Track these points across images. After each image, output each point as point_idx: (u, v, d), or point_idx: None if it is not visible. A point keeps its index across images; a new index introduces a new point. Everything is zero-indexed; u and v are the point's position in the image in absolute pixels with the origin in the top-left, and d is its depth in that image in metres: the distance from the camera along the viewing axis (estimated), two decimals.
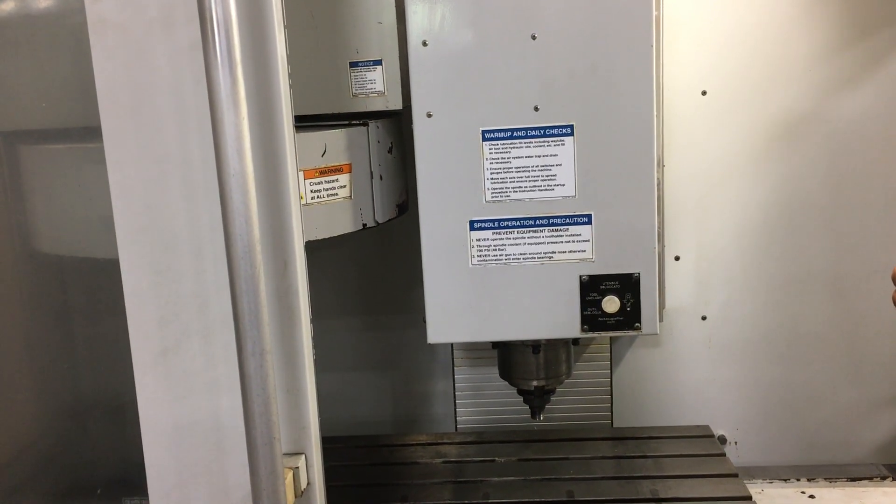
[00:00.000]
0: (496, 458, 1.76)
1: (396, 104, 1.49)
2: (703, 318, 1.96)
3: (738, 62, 1.84)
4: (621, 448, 1.79)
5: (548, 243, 1.40)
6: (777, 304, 1.94)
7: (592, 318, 1.41)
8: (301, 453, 1.16)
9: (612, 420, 1.93)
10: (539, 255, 1.40)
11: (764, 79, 1.84)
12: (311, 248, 1.19)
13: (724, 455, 1.73)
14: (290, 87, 1.11)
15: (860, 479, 1.91)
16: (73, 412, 1.65)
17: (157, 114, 1.09)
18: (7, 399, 1.62)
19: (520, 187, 1.38)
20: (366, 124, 1.48)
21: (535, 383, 1.62)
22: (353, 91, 1.48)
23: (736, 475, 1.63)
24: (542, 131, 1.37)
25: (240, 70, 0.98)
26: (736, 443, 2.00)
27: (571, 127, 1.36)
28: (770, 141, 1.87)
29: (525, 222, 1.40)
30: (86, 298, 1.59)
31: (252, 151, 1.00)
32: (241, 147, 0.99)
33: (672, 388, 1.99)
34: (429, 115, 1.37)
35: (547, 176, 1.38)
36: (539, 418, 1.69)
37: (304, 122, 1.45)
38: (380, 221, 1.51)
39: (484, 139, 1.37)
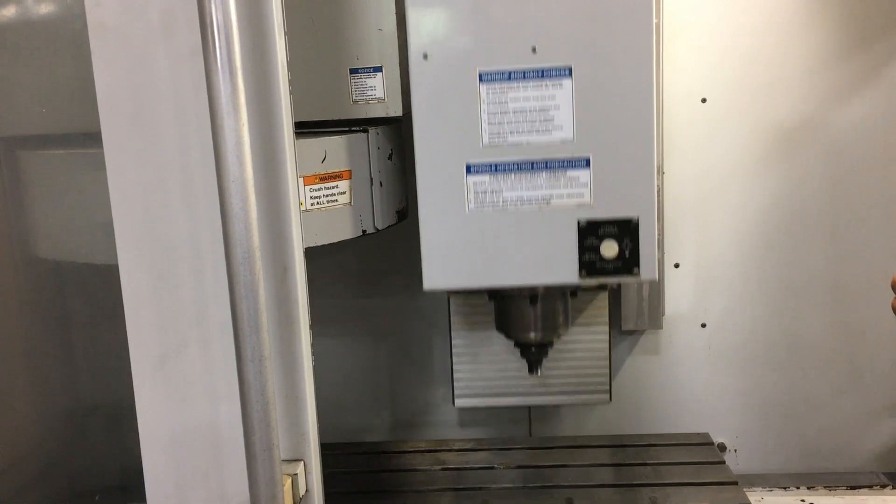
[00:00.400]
0: (495, 466, 1.76)
1: (396, 111, 1.49)
2: (703, 325, 1.96)
3: (737, 69, 1.85)
4: (620, 455, 1.79)
5: (545, 188, 1.37)
6: (777, 311, 1.94)
7: (591, 263, 1.38)
8: (300, 460, 1.16)
9: (610, 392, 1.88)
10: (536, 200, 1.37)
11: (763, 86, 1.85)
12: (311, 254, 1.19)
13: (723, 463, 1.73)
14: (291, 93, 1.11)
15: (860, 487, 1.90)
16: (71, 418, 1.65)
17: (157, 119, 1.09)
18: (6, 405, 1.62)
19: (517, 130, 1.36)
20: (366, 131, 1.48)
21: (532, 335, 1.59)
22: (354, 97, 1.48)
23: (735, 483, 1.62)
24: (539, 73, 1.34)
25: (240, 76, 0.98)
26: (735, 450, 2.00)
27: (570, 69, 1.33)
28: (770, 148, 1.87)
29: (522, 166, 1.37)
30: (85, 304, 1.59)
31: (252, 157, 1.00)
32: (241, 153, 0.99)
33: (672, 396, 1.99)
34: (425, 57, 1.35)
35: (545, 119, 1.35)
36: (537, 373, 1.65)
37: (305, 129, 1.45)
38: (380, 228, 1.51)
39: (481, 81, 1.34)
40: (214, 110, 0.98)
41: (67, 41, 1.53)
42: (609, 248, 1.37)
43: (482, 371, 1.89)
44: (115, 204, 1.12)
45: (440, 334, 2.00)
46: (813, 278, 1.92)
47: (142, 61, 1.08)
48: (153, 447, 1.17)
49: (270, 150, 1.08)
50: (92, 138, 1.16)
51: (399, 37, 1.46)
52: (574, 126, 1.35)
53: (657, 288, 1.86)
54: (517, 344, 1.65)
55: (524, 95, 1.35)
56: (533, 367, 1.66)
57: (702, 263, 1.93)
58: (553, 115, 1.35)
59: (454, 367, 1.89)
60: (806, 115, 1.85)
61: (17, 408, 1.64)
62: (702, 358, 1.97)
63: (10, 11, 1.54)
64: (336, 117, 1.49)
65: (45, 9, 1.54)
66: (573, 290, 1.61)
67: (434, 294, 1.92)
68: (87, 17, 1.07)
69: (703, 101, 1.87)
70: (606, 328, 1.85)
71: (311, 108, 1.46)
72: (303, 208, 1.35)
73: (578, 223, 1.38)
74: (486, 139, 1.36)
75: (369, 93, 1.49)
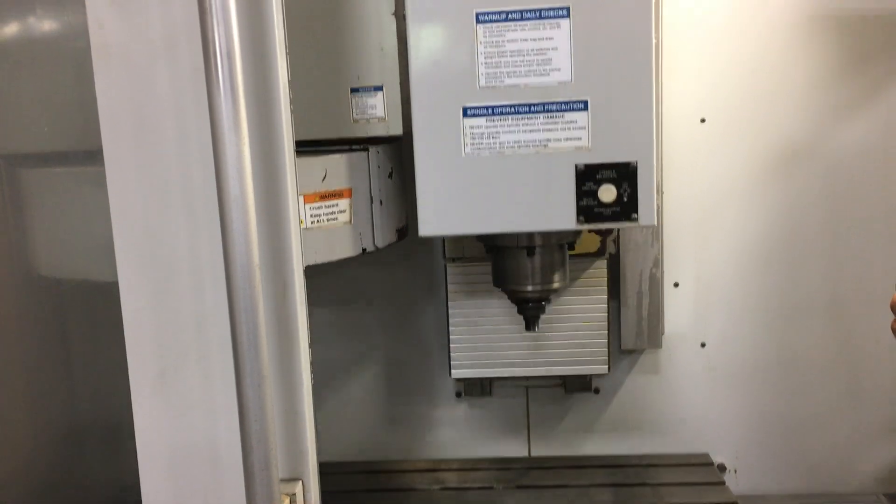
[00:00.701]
0: (494, 486, 1.75)
1: (397, 130, 1.50)
2: (703, 344, 1.96)
3: (736, 90, 1.86)
4: (620, 475, 1.78)
5: (543, 131, 1.35)
6: (776, 331, 1.94)
7: (588, 208, 1.36)
8: (298, 479, 1.15)
9: (609, 363, 1.86)
10: (534, 143, 1.35)
11: (762, 107, 1.86)
12: (310, 272, 1.20)
13: (723, 483, 1.72)
14: (292, 112, 1.11)
15: None
16: (69, 434, 1.64)
17: (159, 138, 1.10)
18: (4, 421, 1.61)
19: (514, 72, 1.34)
20: (366, 149, 1.48)
21: (530, 288, 1.57)
22: (355, 116, 1.49)
23: (735, 503, 1.62)
24: (537, 13, 1.32)
25: (241, 96, 0.98)
26: (735, 471, 1.99)
27: (567, 9, 1.32)
28: (769, 168, 1.88)
29: (520, 109, 1.35)
30: (84, 321, 1.59)
31: (253, 176, 1.00)
32: (242, 171, 0.99)
33: (671, 415, 1.98)
34: None
35: (542, 60, 1.33)
36: (534, 329, 1.63)
37: (306, 147, 1.46)
38: (379, 246, 1.51)
39: (478, 21, 1.33)
40: (216, 129, 0.98)
41: (70, 59, 1.54)
42: (607, 193, 1.35)
43: (480, 341, 1.86)
44: (116, 221, 1.12)
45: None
46: (812, 297, 1.92)
47: (144, 81, 1.08)
48: (151, 464, 1.17)
49: (271, 169, 1.09)
50: (93, 156, 1.16)
51: (400, 56, 1.46)
52: (572, 68, 1.33)
53: (656, 307, 1.86)
54: (515, 300, 1.62)
55: (521, 36, 1.33)
56: (530, 323, 1.63)
57: (701, 283, 1.93)
58: (551, 56, 1.33)
59: (451, 336, 1.86)
60: (804, 134, 1.86)
61: (15, 423, 1.63)
62: (701, 377, 1.97)
63: (12, 29, 1.55)
64: (337, 136, 1.49)
65: (47, 27, 1.55)
66: (570, 243, 1.58)
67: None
68: (91, 38, 1.08)
69: (703, 121, 1.87)
70: (605, 297, 1.83)
71: (312, 126, 1.47)
72: (303, 226, 1.36)
73: (576, 167, 1.35)
74: (482, 81, 1.34)
75: (370, 112, 1.49)
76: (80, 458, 1.65)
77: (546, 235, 1.51)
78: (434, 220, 1.38)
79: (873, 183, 1.87)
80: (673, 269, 1.92)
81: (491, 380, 1.98)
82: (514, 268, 1.57)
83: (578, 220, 1.37)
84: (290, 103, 1.11)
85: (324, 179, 1.41)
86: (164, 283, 1.12)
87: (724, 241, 1.91)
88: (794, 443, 1.97)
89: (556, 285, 1.58)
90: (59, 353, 1.62)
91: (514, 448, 2.02)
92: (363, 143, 1.50)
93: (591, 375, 1.94)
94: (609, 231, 1.69)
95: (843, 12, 1.81)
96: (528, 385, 2.00)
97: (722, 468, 1.98)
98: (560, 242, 1.55)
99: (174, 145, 1.10)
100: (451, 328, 1.86)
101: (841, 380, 1.94)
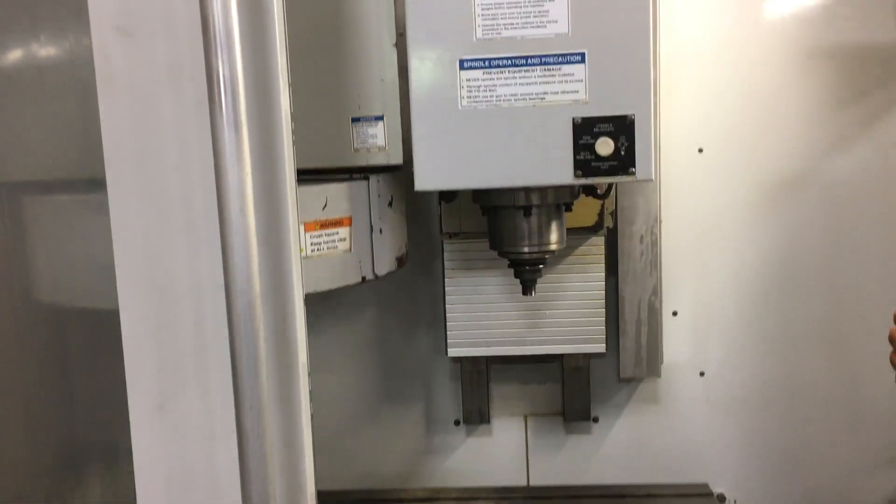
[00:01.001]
0: None
1: (397, 159, 1.51)
2: (702, 373, 1.96)
3: (733, 120, 1.87)
4: None
5: (540, 83, 1.34)
6: (775, 360, 1.94)
7: (586, 162, 1.34)
8: None
9: (606, 342, 1.83)
10: (531, 96, 1.34)
11: (759, 136, 1.87)
12: (309, 300, 1.20)
13: None
14: (294, 142, 1.12)
15: None
16: (67, 463, 1.64)
17: (162, 167, 1.11)
18: (2, 444, 1.61)
19: (511, 24, 1.33)
20: (367, 178, 1.49)
21: (526, 249, 1.55)
22: (355, 145, 1.50)
23: None
24: None
25: (245, 127, 0.99)
26: (735, 501, 1.98)
27: None
28: (766, 197, 1.89)
29: (517, 61, 1.34)
30: (84, 349, 1.58)
31: (254, 206, 1.01)
32: (244, 202, 1.00)
33: (670, 445, 1.98)
34: None
35: (539, 12, 1.33)
36: (532, 293, 1.61)
37: (306, 175, 1.46)
38: (379, 275, 1.52)
39: None
40: (219, 160, 0.99)
41: (73, 87, 1.55)
42: (604, 146, 1.34)
43: (476, 318, 1.84)
44: (118, 249, 1.13)
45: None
46: (811, 327, 1.92)
47: (148, 111, 1.09)
48: (149, 491, 1.16)
49: (273, 200, 1.09)
50: (96, 184, 1.17)
51: (401, 87, 1.48)
52: (569, 19, 1.32)
53: (655, 336, 1.87)
54: (511, 262, 1.60)
55: None
56: (527, 287, 1.61)
57: (700, 311, 1.94)
58: (548, 7, 1.32)
59: (447, 314, 1.84)
60: (802, 164, 1.88)
61: (13, 451, 1.63)
62: (701, 406, 1.97)
63: (16, 56, 1.56)
64: (338, 165, 1.50)
65: (51, 54, 1.57)
66: (568, 204, 1.57)
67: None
68: (96, 68, 1.09)
69: (700, 150, 1.89)
70: (602, 274, 1.81)
71: (313, 155, 1.48)
72: (303, 254, 1.36)
73: (573, 121, 1.34)
74: (479, 33, 1.33)
75: (371, 141, 1.51)
76: (78, 483, 1.64)
77: (543, 195, 1.49)
78: (431, 174, 1.37)
79: (870, 212, 1.88)
80: (671, 297, 1.93)
81: (490, 405, 1.98)
82: (510, 228, 1.54)
83: (576, 175, 1.35)
84: (292, 132, 1.12)
85: (324, 208, 1.42)
86: (165, 311, 1.13)
87: (722, 270, 1.92)
88: (793, 472, 1.97)
89: (553, 246, 1.56)
90: (58, 378, 1.62)
91: (512, 477, 2.01)
92: (364, 172, 1.51)
93: (590, 408, 1.94)
94: (606, 194, 1.66)
95: (839, 44, 1.83)
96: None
97: (721, 498, 1.97)
98: (557, 202, 1.54)
99: (177, 174, 1.11)
100: (447, 306, 1.84)
101: (840, 409, 1.94)
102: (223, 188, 1.00)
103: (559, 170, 1.36)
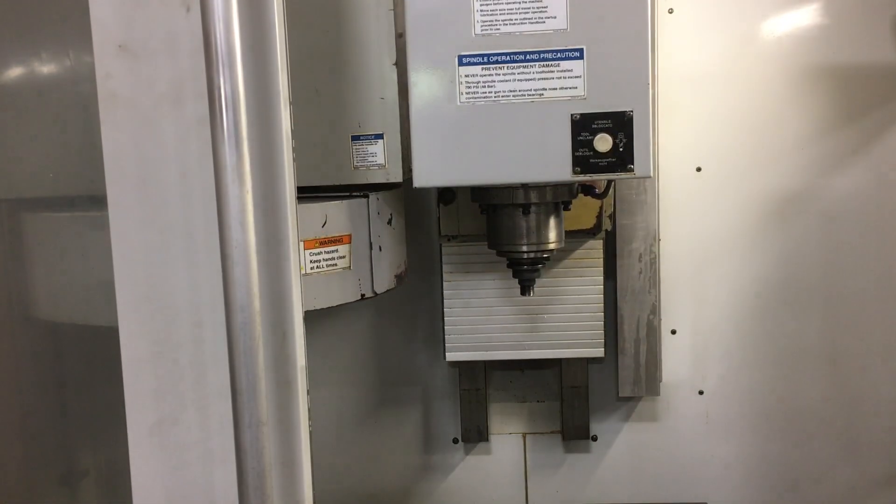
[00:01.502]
0: None
1: (397, 177, 1.51)
2: (700, 392, 1.95)
3: (732, 139, 1.88)
4: None
5: (538, 79, 1.34)
6: (774, 379, 1.94)
7: (584, 159, 1.34)
8: None
9: (605, 346, 1.82)
10: (529, 93, 1.34)
11: (757, 156, 1.88)
12: (309, 317, 1.20)
13: None
14: (294, 160, 1.13)
15: None
16: (64, 481, 1.63)
17: (163, 185, 1.11)
18: None
19: (510, 20, 1.33)
20: (366, 196, 1.50)
21: (525, 248, 1.54)
22: (355, 163, 1.51)
23: None
24: None
25: (246, 145, 1.00)
26: None
27: None
28: (765, 217, 1.90)
29: (515, 57, 1.34)
30: (83, 366, 1.58)
31: (254, 222, 1.01)
32: (245, 219, 1.00)
33: (669, 464, 1.97)
34: None
35: (538, 8, 1.33)
36: (530, 294, 1.60)
37: (306, 193, 1.47)
38: (378, 292, 1.52)
39: None
40: (220, 178, 1.00)
41: (74, 103, 1.55)
42: (603, 143, 1.34)
43: (474, 322, 1.82)
44: (118, 267, 1.13)
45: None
46: (809, 346, 1.92)
47: (149, 128, 1.10)
48: None
49: (272, 217, 1.09)
50: (96, 202, 1.17)
51: (401, 105, 1.49)
52: (568, 15, 1.33)
53: (654, 355, 1.87)
54: (510, 262, 1.60)
55: None
56: (525, 288, 1.60)
57: (698, 330, 1.94)
58: (546, 3, 1.33)
59: (445, 318, 1.83)
60: (800, 184, 1.88)
61: (10, 469, 1.62)
62: (699, 425, 1.96)
63: (17, 72, 1.57)
64: (338, 183, 1.51)
65: (52, 71, 1.58)
66: (566, 203, 1.57)
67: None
68: (98, 87, 1.10)
69: (699, 169, 1.90)
70: (601, 278, 1.80)
71: (313, 173, 1.49)
72: (302, 272, 1.36)
73: (572, 117, 1.34)
74: (478, 28, 1.34)
75: (370, 159, 1.51)
76: (75, 502, 1.64)
77: (541, 193, 1.49)
78: (429, 170, 1.37)
79: (868, 232, 1.88)
80: (670, 316, 1.93)
81: (488, 423, 1.97)
82: (509, 227, 1.54)
83: (574, 171, 1.35)
84: (293, 150, 1.13)
85: (324, 225, 1.42)
86: (164, 331, 1.13)
87: (721, 289, 1.92)
88: (792, 491, 1.96)
89: (551, 245, 1.55)
90: (56, 396, 1.61)
91: (511, 495, 2.01)
92: (363, 190, 1.51)
93: (589, 426, 1.94)
94: (604, 193, 1.67)
95: (836, 64, 1.85)
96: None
97: None
98: (556, 201, 1.53)
99: (177, 191, 1.11)
100: (445, 309, 1.83)
101: (839, 429, 1.94)
102: (223, 205, 1.00)
103: (558, 166, 1.36)
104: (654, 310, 1.84)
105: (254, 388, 1.01)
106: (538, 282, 1.63)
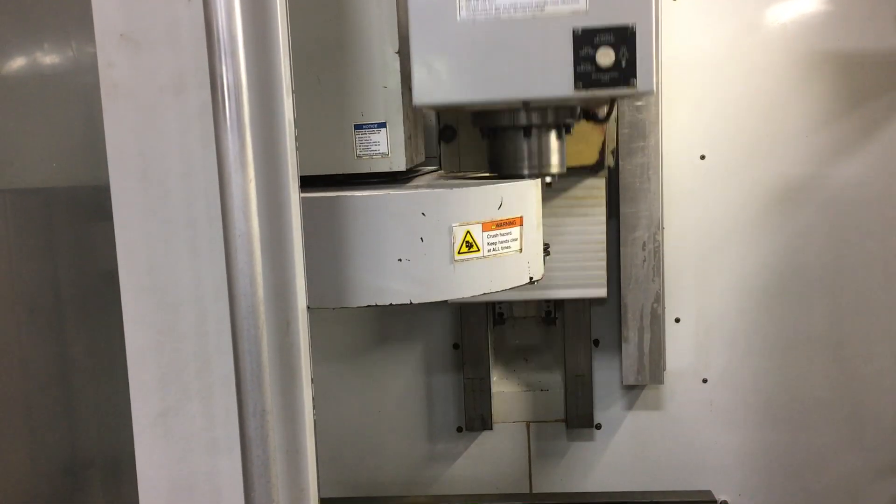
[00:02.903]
0: None
1: (400, 165, 1.51)
2: (704, 380, 1.95)
3: (736, 126, 1.88)
4: None
5: None
6: (778, 367, 1.94)
7: (586, 74, 1.31)
8: None
9: (607, 286, 1.78)
10: (530, 7, 1.31)
11: (761, 144, 1.88)
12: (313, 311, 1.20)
13: None
14: (297, 149, 1.13)
15: None
16: (69, 471, 1.64)
17: (166, 175, 1.11)
18: (4, 455, 1.61)
19: None
20: (540, 178, 1.46)
21: (526, 172, 1.51)
22: (358, 153, 1.50)
23: None
24: None
25: (248, 134, 1.00)
26: None
27: None
28: (768, 205, 1.89)
29: None
30: (87, 357, 1.59)
31: (258, 212, 1.01)
32: (248, 208, 1.00)
33: (674, 452, 1.98)
34: None
35: None
36: None
37: (308, 182, 1.46)
38: (537, 278, 1.49)
39: None
40: (222, 167, 0.99)
41: (77, 94, 1.55)
42: (605, 57, 1.31)
43: None
44: (122, 257, 1.13)
45: None
46: (814, 334, 1.92)
47: (152, 119, 1.10)
48: (152, 500, 1.16)
49: (276, 206, 1.09)
50: (100, 192, 1.17)
51: (403, 94, 1.48)
52: None
53: (658, 343, 1.87)
54: None
55: None
56: None
57: (702, 319, 1.94)
58: None
59: None
60: (804, 172, 1.88)
61: (15, 459, 1.63)
62: (704, 413, 1.96)
63: (20, 64, 1.57)
64: (340, 171, 1.50)
65: (55, 62, 1.57)
66: (568, 126, 1.53)
67: None
68: (100, 76, 1.09)
69: (702, 157, 1.89)
70: (603, 217, 1.77)
71: (316, 162, 1.48)
72: (479, 253, 1.35)
73: (573, 31, 1.31)
74: None
75: (373, 148, 1.51)
76: (80, 493, 1.64)
77: (543, 114, 1.47)
78: (429, 88, 1.35)
79: (873, 219, 1.88)
80: (674, 304, 1.93)
81: (492, 411, 1.97)
82: (510, 150, 1.51)
83: (576, 87, 1.33)
84: (296, 139, 1.12)
85: (499, 207, 1.37)
86: (168, 320, 1.13)
87: (725, 277, 1.92)
88: (797, 480, 1.96)
89: (553, 169, 1.52)
90: (61, 388, 1.62)
91: (515, 484, 2.01)
92: (365, 179, 1.51)
93: (593, 415, 1.94)
94: (606, 118, 1.62)
95: (841, 51, 1.84)
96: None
97: None
98: (557, 123, 1.51)
99: (180, 181, 1.11)
100: None
101: (844, 417, 1.94)
102: (227, 195, 1.00)
103: (560, 82, 1.33)
104: (658, 298, 1.84)
105: (258, 377, 1.02)
106: None
